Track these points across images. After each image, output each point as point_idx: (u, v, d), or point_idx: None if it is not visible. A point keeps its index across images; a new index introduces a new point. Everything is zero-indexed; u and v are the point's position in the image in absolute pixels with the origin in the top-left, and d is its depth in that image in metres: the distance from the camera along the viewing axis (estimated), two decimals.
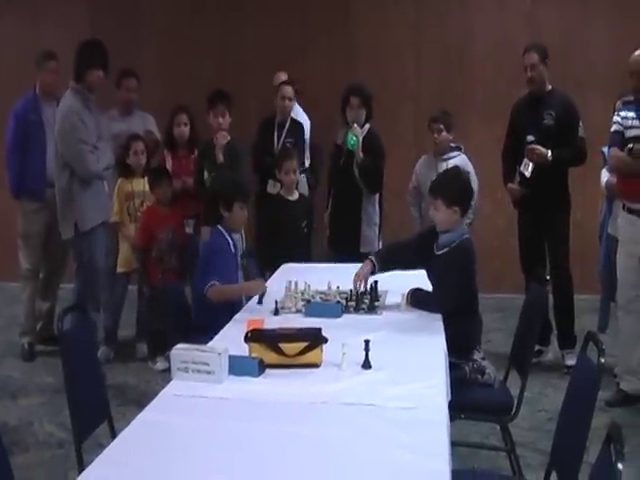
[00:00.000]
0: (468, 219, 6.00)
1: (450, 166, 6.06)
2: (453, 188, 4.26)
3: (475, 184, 6.30)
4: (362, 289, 4.42)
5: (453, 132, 6.63)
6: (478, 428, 4.96)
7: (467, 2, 8.81)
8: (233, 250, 4.78)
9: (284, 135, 7.31)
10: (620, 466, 2.20)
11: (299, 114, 7.55)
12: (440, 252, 4.28)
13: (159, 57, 8.78)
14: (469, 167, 6.36)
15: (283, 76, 7.79)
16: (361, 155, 6.37)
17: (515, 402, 4.07)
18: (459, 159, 6.52)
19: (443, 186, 4.29)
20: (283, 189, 6.42)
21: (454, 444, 4.63)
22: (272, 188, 6.84)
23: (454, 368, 3.99)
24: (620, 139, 5.51)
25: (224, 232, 4.76)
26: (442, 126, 6.55)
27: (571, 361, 6.07)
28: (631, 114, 5.51)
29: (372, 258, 4.46)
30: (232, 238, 4.80)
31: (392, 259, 4.52)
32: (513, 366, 4.32)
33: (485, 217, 8.37)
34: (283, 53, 8.60)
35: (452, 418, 3.91)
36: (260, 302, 4.43)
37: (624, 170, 5.53)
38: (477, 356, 4.17)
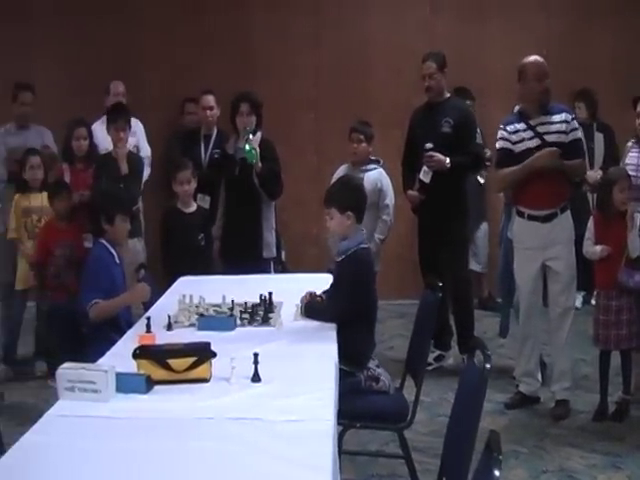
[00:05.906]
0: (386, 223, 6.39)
1: (369, 179, 6.27)
2: (345, 194, 4.27)
3: (392, 200, 6.45)
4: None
5: (372, 144, 6.59)
6: (377, 436, 4.96)
7: (366, 10, 8.83)
8: (118, 262, 4.75)
9: (211, 147, 7.33)
10: (497, 473, 2.20)
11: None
12: (339, 259, 4.28)
13: (52, 69, 8.58)
14: (386, 181, 6.46)
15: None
16: (260, 165, 6.30)
17: (410, 408, 4.09)
18: (376, 172, 6.51)
19: (335, 195, 4.28)
20: (179, 201, 6.24)
21: (353, 453, 4.70)
22: (202, 201, 6.73)
23: (348, 377, 4.01)
24: (508, 157, 5.60)
25: (107, 245, 4.75)
26: (362, 137, 6.49)
27: None
28: (520, 125, 5.58)
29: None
30: (115, 250, 4.78)
31: None
32: (408, 372, 4.33)
33: None
34: (179, 60, 8.53)
35: (347, 427, 3.94)
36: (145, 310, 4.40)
37: (514, 184, 5.64)
38: (371, 364, 4.18)
